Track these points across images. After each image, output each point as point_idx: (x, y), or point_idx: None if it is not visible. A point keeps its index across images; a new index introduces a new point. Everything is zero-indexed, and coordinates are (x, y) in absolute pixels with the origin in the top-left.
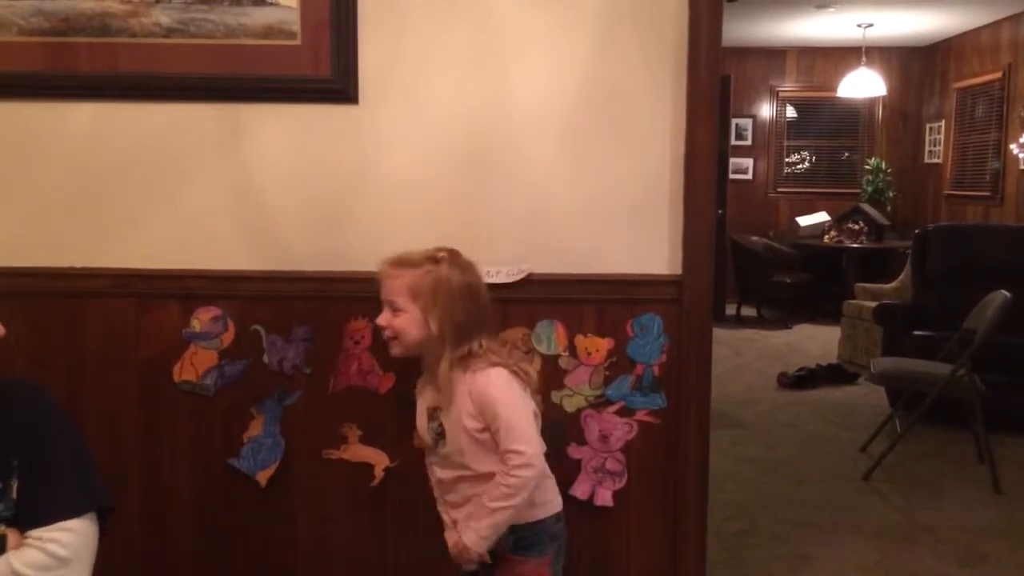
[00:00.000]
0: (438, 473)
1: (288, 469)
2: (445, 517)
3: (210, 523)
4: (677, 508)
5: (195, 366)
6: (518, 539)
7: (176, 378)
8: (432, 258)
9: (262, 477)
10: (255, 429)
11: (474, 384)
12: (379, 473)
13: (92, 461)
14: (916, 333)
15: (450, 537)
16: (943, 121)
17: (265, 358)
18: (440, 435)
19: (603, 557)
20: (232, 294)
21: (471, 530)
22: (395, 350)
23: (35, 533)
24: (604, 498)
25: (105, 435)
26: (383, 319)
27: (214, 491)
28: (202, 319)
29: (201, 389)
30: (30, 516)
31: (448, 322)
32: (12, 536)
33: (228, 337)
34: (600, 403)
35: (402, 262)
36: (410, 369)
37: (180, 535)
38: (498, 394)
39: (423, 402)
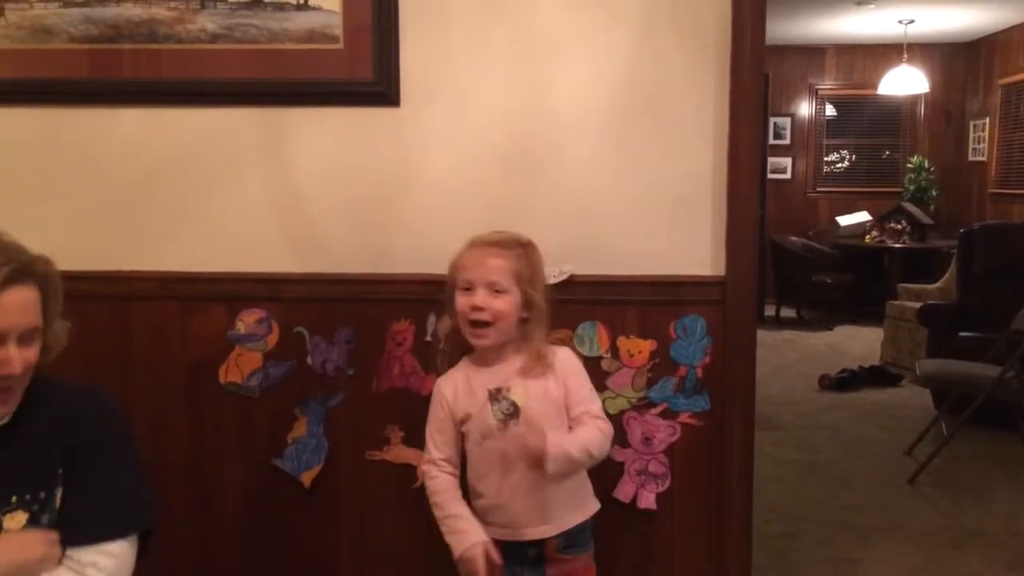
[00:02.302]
0: (504, 463)
1: (332, 470)
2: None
3: (255, 523)
4: (721, 511)
5: (240, 368)
6: (568, 537)
7: (222, 379)
8: (520, 242)
9: (306, 478)
10: (299, 430)
11: (555, 356)
12: (421, 474)
13: (143, 480)
14: (962, 334)
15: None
16: (988, 118)
17: (309, 360)
18: (511, 415)
19: (647, 560)
20: (276, 296)
21: (557, 442)
22: (488, 338)
23: (75, 555)
24: (647, 501)
25: (152, 436)
26: (481, 300)
27: (259, 491)
28: (247, 321)
29: (246, 391)
30: (73, 532)
31: (544, 304)
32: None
33: (272, 339)
34: (643, 405)
35: (500, 243)
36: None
37: (226, 535)
38: (578, 362)
39: (480, 386)
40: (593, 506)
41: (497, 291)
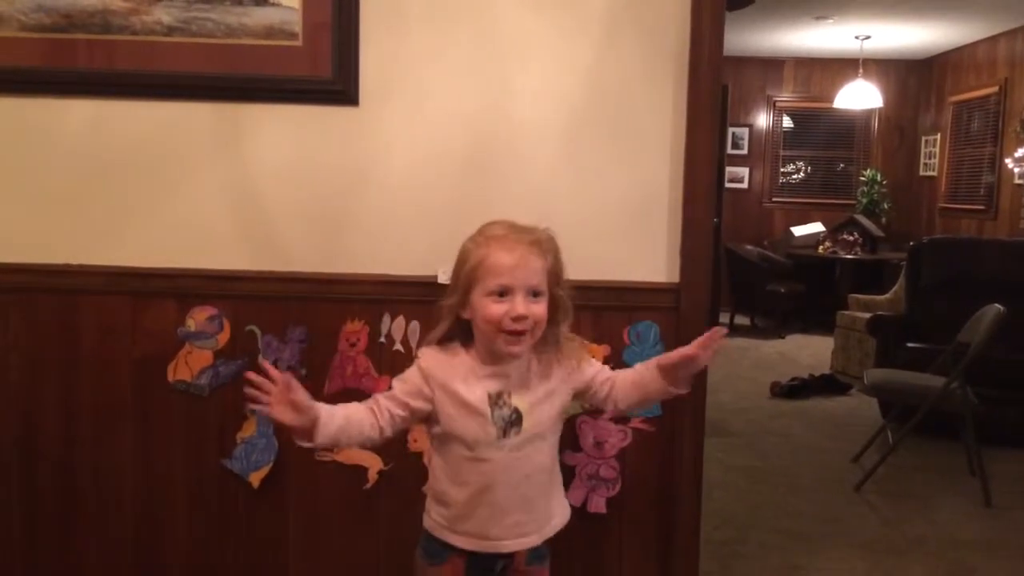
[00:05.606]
0: (499, 473)
1: (281, 471)
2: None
3: (203, 523)
4: (670, 516)
5: (190, 366)
6: (535, 550)
7: (170, 377)
8: (550, 236)
9: (255, 478)
10: (249, 430)
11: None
12: (373, 476)
13: None
14: (909, 345)
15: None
16: (939, 134)
17: (260, 359)
18: (513, 423)
19: (595, 564)
20: (228, 294)
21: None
22: (524, 345)
23: None
24: (598, 505)
25: (98, 433)
26: (524, 308)
27: (207, 491)
28: (198, 319)
29: (195, 389)
30: None
31: (569, 303)
32: None
33: (223, 337)
34: (596, 410)
35: (538, 241)
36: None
37: (173, 534)
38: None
39: (479, 391)
40: (567, 511)
41: (537, 294)
